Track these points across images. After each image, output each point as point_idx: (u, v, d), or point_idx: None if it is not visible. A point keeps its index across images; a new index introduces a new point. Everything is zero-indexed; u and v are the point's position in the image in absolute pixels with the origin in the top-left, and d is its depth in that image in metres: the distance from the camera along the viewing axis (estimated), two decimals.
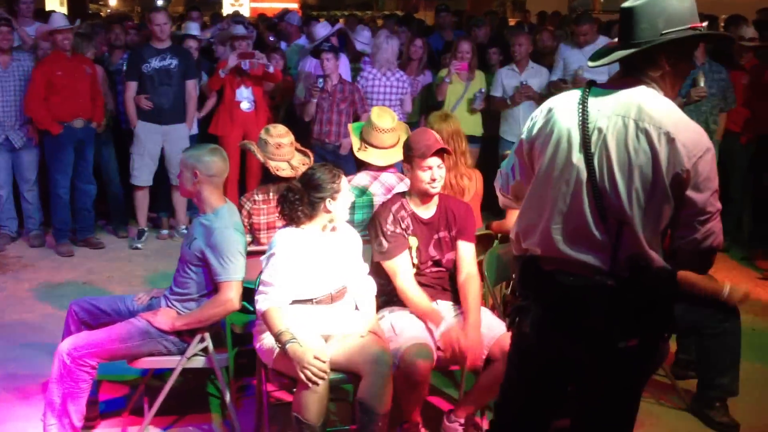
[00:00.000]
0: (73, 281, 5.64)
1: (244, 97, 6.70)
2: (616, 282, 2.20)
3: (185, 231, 6.64)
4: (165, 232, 6.80)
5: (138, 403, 3.73)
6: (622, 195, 2.18)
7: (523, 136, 2.42)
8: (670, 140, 2.14)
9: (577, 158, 2.23)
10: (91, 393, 3.42)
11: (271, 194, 3.93)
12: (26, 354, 4.39)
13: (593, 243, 2.22)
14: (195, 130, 6.79)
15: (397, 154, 4.03)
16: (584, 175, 2.21)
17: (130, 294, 3.86)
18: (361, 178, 4.07)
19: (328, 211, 3.28)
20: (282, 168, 3.94)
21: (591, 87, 2.31)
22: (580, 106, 2.25)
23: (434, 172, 3.46)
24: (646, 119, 2.18)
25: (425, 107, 6.87)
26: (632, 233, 2.19)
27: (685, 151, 2.14)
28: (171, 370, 3.45)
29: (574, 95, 2.32)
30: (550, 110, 2.35)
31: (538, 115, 2.39)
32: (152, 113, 6.32)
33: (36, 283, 5.61)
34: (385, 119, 4.12)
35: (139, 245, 6.47)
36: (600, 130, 2.21)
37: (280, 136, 3.99)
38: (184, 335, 3.45)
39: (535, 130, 2.37)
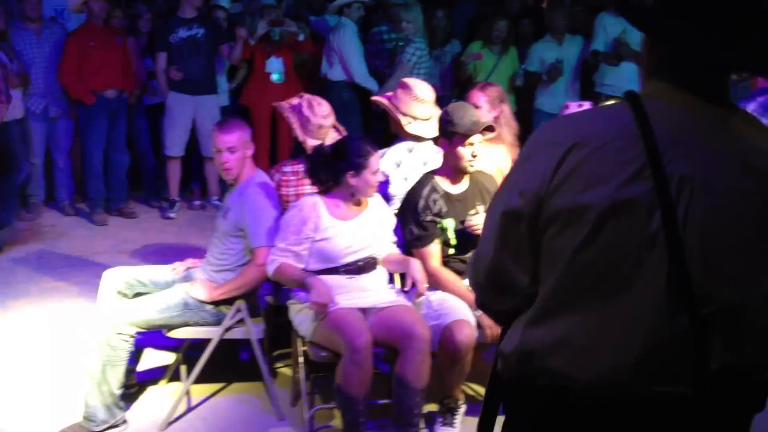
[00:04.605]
0: (108, 250, 5.69)
1: (275, 68, 6.68)
2: (703, 410, 1.38)
3: (217, 202, 6.68)
4: (197, 202, 6.84)
5: (175, 372, 3.78)
6: (734, 279, 1.34)
7: (520, 195, 1.44)
8: None
9: (653, 230, 1.32)
10: (129, 361, 3.46)
11: (301, 166, 3.92)
12: (63, 321, 4.45)
13: (668, 351, 1.35)
14: (226, 101, 6.79)
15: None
16: (665, 255, 1.33)
17: (165, 264, 3.90)
18: (398, 150, 4.04)
19: (350, 185, 3.28)
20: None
21: (636, 102, 1.39)
22: (641, 140, 1.33)
23: (475, 149, 3.43)
24: (754, 153, 1.35)
25: (457, 80, 6.80)
26: (737, 327, 1.36)
27: None
28: (208, 340, 3.49)
29: (614, 116, 1.41)
30: (571, 148, 1.38)
31: (546, 159, 1.40)
32: (182, 84, 6.32)
33: (71, 251, 5.67)
34: (427, 90, 4.07)
35: (172, 215, 6.51)
36: (687, 180, 1.32)
37: (324, 117, 3.92)
38: (222, 306, 3.48)
39: (549, 187, 1.39)
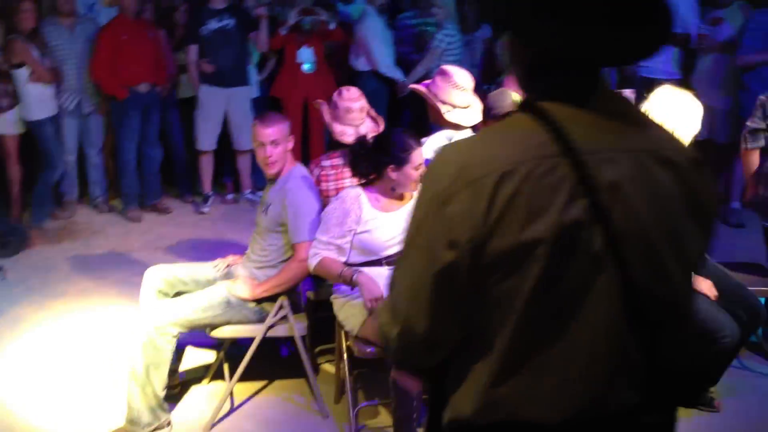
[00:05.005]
0: (143, 247, 5.65)
1: (306, 58, 6.59)
2: (657, 412, 1.36)
3: (250, 195, 6.63)
4: (230, 196, 6.78)
5: (218, 369, 3.72)
6: (672, 278, 1.30)
7: (451, 246, 1.24)
8: (699, 168, 1.33)
9: (598, 249, 1.23)
10: (171, 361, 3.41)
11: (340, 160, 3.84)
12: (103, 321, 4.41)
13: (627, 364, 1.31)
14: (256, 93, 6.72)
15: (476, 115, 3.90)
16: (613, 271, 1.25)
17: (201, 259, 3.85)
18: (438, 139, 3.93)
19: (391, 179, 3.22)
20: (347, 133, 3.84)
21: (545, 116, 1.26)
22: (566, 156, 1.22)
23: None
24: (658, 143, 1.31)
25: (489, 68, 6.66)
26: (677, 331, 1.35)
27: (710, 175, 1.38)
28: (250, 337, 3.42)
29: (528, 136, 1.25)
30: (500, 181, 1.21)
31: (472, 198, 1.22)
32: (214, 76, 6.25)
33: (107, 249, 5.63)
34: (466, 77, 3.96)
35: (206, 210, 6.46)
36: (615, 187, 1.24)
37: (351, 100, 3.86)
38: (264, 303, 3.42)
39: (484, 230, 1.22)
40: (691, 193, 1.30)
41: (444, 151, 1.31)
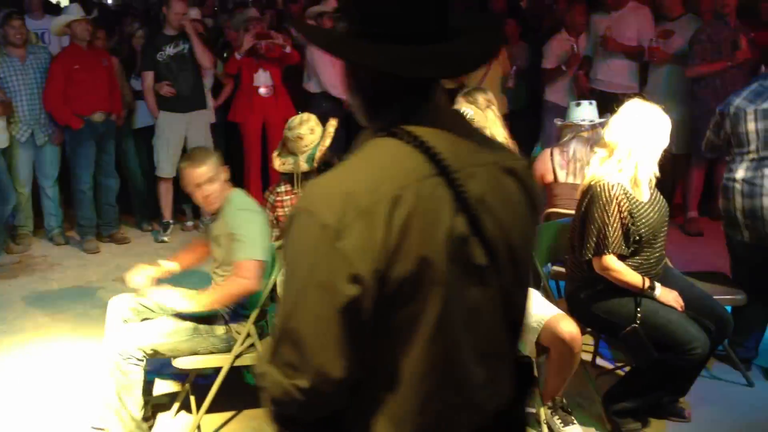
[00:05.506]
0: (102, 278, 5.52)
1: (262, 82, 6.56)
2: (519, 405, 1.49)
3: (210, 221, 6.51)
4: (190, 223, 6.68)
5: (185, 402, 3.62)
6: (526, 282, 1.44)
7: (353, 280, 1.19)
8: (530, 172, 1.45)
9: (480, 260, 1.28)
10: (144, 392, 3.30)
11: (294, 186, 3.80)
12: (66, 356, 4.27)
13: (506, 366, 1.42)
14: (213, 119, 6.65)
15: None
16: (493, 280, 1.31)
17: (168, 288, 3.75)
18: None
19: None
20: (288, 162, 3.79)
21: (405, 132, 1.27)
22: (441, 176, 1.24)
23: None
24: (500, 155, 1.38)
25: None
26: (521, 327, 1.48)
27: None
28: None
29: (404, 159, 1.25)
30: (393, 205, 1.20)
31: (368, 227, 1.19)
32: (173, 101, 6.16)
33: (65, 282, 5.49)
34: None
35: (165, 238, 6.33)
36: (481, 200, 1.28)
37: (290, 128, 3.79)
38: (232, 330, 3.34)
39: (387, 256, 1.20)
40: (529, 196, 1.38)
41: (319, 182, 1.26)
